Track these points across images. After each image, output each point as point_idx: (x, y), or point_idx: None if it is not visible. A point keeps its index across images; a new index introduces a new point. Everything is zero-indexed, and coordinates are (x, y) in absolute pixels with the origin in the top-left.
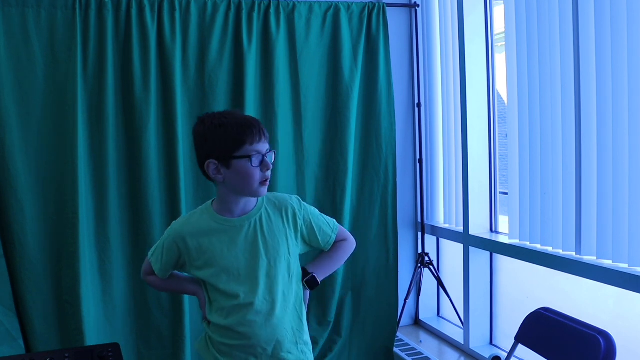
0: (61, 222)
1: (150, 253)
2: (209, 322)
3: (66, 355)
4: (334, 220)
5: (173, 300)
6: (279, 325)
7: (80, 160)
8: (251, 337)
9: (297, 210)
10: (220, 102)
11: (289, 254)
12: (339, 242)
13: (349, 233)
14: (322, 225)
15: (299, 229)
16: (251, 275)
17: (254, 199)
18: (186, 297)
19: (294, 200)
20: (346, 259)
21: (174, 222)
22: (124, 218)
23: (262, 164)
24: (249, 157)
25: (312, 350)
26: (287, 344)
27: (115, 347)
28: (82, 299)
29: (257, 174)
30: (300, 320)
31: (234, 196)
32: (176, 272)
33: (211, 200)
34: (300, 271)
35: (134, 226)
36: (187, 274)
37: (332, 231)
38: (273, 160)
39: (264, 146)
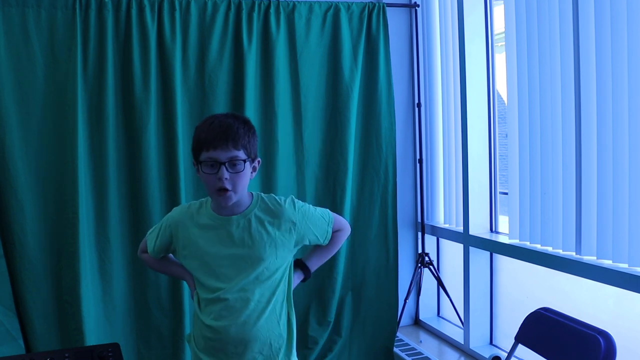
0: (61, 222)
1: (149, 232)
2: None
3: (66, 355)
4: (328, 210)
5: (173, 300)
6: (252, 327)
7: (80, 160)
8: (222, 332)
9: (291, 215)
10: (220, 102)
11: (276, 258)
12: (335, 232)
13: (343, 220)
14: (318, 222)
15: (295, 232)
16: (229, 274)
17: (245, 200)
18: (186, 297)
19: (288, 204)
20: (340, 246)
21: (174, 207)
22: (124, 218)
23: (217, 173)
24: (201, 163)
25: None
26: (258, 346)
27: (115, 347)
28: (82, 299)
29: (211, 181)
30: (279, 326)
31: (215, 202)
32: (170, 255)
33: (206, 199)
34: (291, 279)
35: (134, 226)
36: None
37: (328, 225)
38: (242, 170)
39: (221, 154)
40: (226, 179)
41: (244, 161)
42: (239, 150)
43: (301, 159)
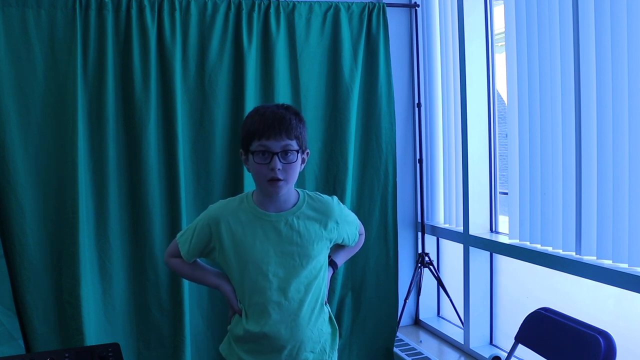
0: (61, 222)
1: (179, 235)
2: (240, 313)
3: (66, 355)
4: (355, 215)
5: (173, 300)
6: (305, 327)
7: (80, 160)
8: (276, 336)
9: (337, 215)
10: (220, 102)
11: (321, 255)
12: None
13: (362, 225)
14: (351, 224)
15: (336, 231)
16: (280, 273)
17: (293, 196)
18: (186, 297)
19: (336, 202)
20: (359, 248)
21: (210, 205)
22: (124, 218)
23: (270, 163)
24: (253, 152)
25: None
26: (310, 345)
27: (115, 347)
28: (82, 299)
29: (262, 171)
30: (325, 322)
31: (264, 193)
32: (201, 262)
33: (252, 190)
34: (327, 273)
35: (134, 226)
36: (210, 267)
37: (357, 228)
38: (295, 161)
39: (274, 144)
40: (279, 169)
41: (297, 151)
42: (292, 140)
43: None
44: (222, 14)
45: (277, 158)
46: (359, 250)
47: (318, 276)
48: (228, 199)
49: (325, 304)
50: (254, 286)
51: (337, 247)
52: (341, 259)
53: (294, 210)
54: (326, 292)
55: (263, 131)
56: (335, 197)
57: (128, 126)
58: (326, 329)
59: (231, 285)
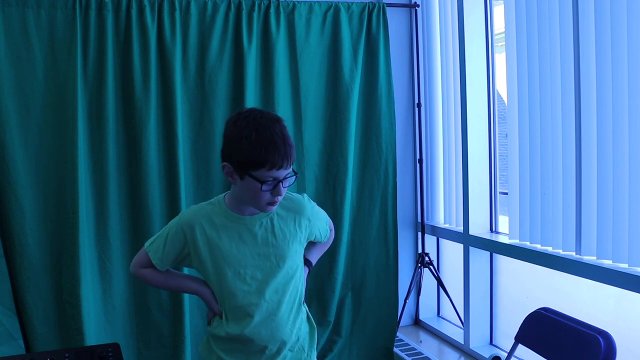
0: (61, 222)
1: (147, 243)
2: (220, 315)
3: (66, 355)
4: (324, 211)
5: (173, 300)
6: (285, 326)
7: (80, 160)
8: (255, 337)
9: (309, 212)
10: (220, 102)
11: (296, 254)
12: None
13: (331, 221)
14: (322, 220)
15: (308, 229)
16: (258, 276)
17: None
18: (186, 297)
19: (306, 200)
20: (329, 245)
21: (182, 212)
22: (124, 218)
23: (274, 190)
24: (262, 182)
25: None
26: (290, 344)
27: (115, 347)
28: (82, 299)
29: (265, 197)
30: (303, 321)
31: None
32: (172, 270)
33: (224, 194)
34: (303, 272)
35: (134, 226)
36: (184, 273)
37: (327, 224)
38: (292, 184)
39: (282, 173)
40: (282, 196)
41: (294, 173)
42: (292, 165)
43: (301, 159)
44: (222, 14)
45: (281, 185)
46: (359, 250)
47: (295, 276)
48: (200, 204)
49: (303, 303)
50: (233, 290)
51: (310, 245)
52: (315, 257)
53: (267, 212)
54: (304, 291)
55: (275, 162)
56: (305, 195)
57: (128, 126)
58: (304, 327)
59: (209, 287)
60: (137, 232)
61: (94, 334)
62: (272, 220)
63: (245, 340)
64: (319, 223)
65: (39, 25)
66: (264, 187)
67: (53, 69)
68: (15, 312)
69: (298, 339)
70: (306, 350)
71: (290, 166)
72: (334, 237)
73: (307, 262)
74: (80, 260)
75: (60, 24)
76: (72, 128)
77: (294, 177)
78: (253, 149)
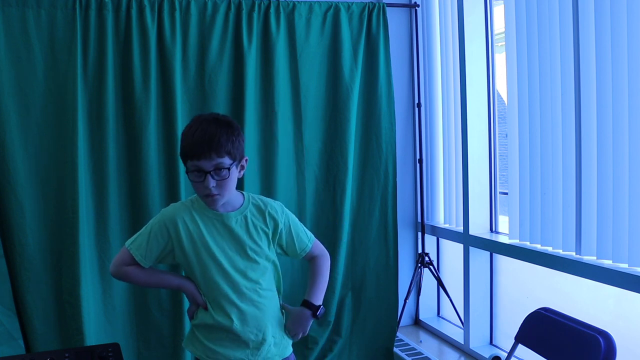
0: (61, 222)
1: (128, 242)
2: (205, 307)
3: (66, 355)
4: (307, 230)
5: (173, 300)
6: (265, 314)
7: (80, 160)
8: (240, 327)
9: (279, 214)
10: (220, 102)
11: (270, 250)
12: (317, 257)
13: (323, 247)
14: (300, 233)
15: (279, 232)
16: (237, 267)
17: (238, 198)
18: (186, 297)
19: (277, 205)
20: (328, 273)
21: (162, 210)
22: (124, 218)
23: (204, 181)
24: (190, 171)
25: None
26: (271, 330)
27: (115, 347)
28: (82, 299)
29: (199, 188)
30: (278, 311)
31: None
32: (153, 267)
33: (196, 195)
34: (277, 264)
35: (133, 226)
36: (166, 270)
37: (309, 240)
38: (225, 178)
39: (205, 163)
40: (213, 186)
41: (228, 168)
42: (222, 157)
43: (301, 159)
44: (222, 14)
45: (209, 177)
46: (359, 250)
47: (268, 268)
48: (179, 202)
49: (279, 294)
50: (216, 282)
51: (309, 285)
52: (314, 294)
53: (241, 210)
54: (280, 288)
55: (194, 152)
56: (279, 202)
57: (128, 126)
58: (280, 316)
59: (192, 282)
60: (137, 232)
61: (94, 334)
62: (246, 217)
63: (231, 329)
64: (294, 232)
65: (39, 25)
66: (193, 177)
67: (53, 69)
68: (15, 312)
69: (279, 328)
70: (285, 337)
71: (217, 158)
72: (335, 239)
73: (308, 304)
74: (80, 260)
75: (60, 24)
76: (72, 128)
77: (228, 170)
78: (183, 143)
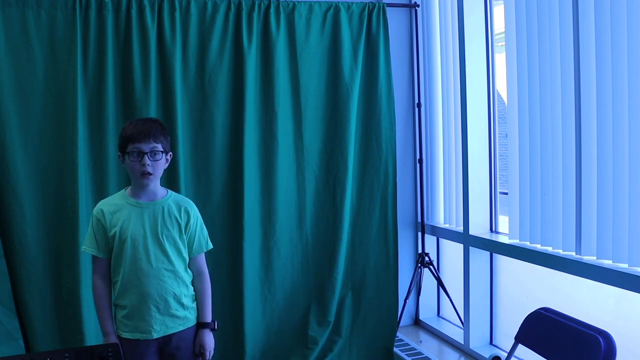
0: (61, 222)
1: (82, 247)
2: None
3: (66, 355)
4: (210, 244)
5: None
6: (167, 287)
7: (80, 160)
8: (143, 292)
9: (191, 212)
10: (220, 102)
11: (179, 237)
12: (201, 275)
13: (206, 264)
14: (202, 237)
15: (189, 226)
16: (150, 244)
17: (161, 191)
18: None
19: (192, 204)
20: (209, 290)
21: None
22: None
23: (142, 160)
24: (129, 153)
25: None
26: (173, 304)
27: (115, 347)
28: (82, 299)
29: (135, 167)
30: (186, 287)
31: (137, 185)
32: (109, 307)
33: (125, 188)
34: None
35: None
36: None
37: (207, 244)
38: (159, 160)
39: (144, 146)
40: (148, 164)
41: (162, 152)
42: (157, 143)
43: (301, 159)
44: (222, 14)
45: (147, 157)
46: (359, 250)
47: (180, 250)
48: (107, 197)
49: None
50: (130, 258)
51: (198, 307)
52: (207, 314)
53: (161, 201)
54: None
55: (135, 136)
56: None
57: None
58: (185, 291)
59: (116, 339)
60: None
61: (94, 334)
62: (163, 207)
63: (139, 294)
64: (198, 230)
65: (39, 25)
66: (132, 158)
67: (53, 69)
68: (15, 312)
69: (181, 298)
70: (186, 306)
71: (153, 142)
72: (335, 239)
73: (203, 325)
74: (80, 260)
75: (60, 24)
76: (72, 128)
77: (161, 153)
78: (123, 132)
